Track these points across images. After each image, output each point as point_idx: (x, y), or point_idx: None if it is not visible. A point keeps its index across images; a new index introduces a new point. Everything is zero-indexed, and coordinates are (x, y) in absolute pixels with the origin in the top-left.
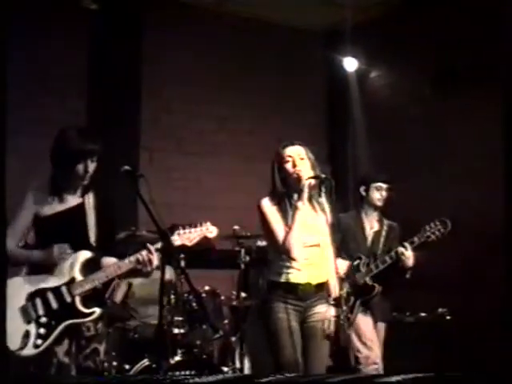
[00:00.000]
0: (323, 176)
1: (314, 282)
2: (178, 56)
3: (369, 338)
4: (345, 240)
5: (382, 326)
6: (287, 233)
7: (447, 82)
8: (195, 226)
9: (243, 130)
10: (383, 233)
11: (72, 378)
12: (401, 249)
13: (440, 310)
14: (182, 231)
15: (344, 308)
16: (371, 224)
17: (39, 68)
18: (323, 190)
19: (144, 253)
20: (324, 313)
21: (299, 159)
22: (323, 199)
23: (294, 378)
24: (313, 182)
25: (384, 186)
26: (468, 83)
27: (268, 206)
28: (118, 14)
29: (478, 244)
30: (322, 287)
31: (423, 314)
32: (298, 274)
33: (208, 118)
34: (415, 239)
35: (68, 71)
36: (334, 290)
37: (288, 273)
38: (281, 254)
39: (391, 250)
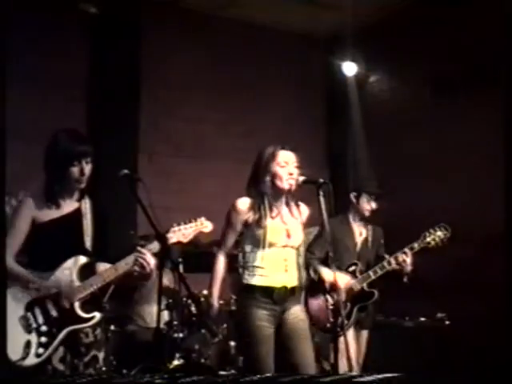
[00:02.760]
0: (321, 180)
1: (289, 285)
2: (178, 60)
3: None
4: (333, 245)
5: (365, 333)
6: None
7: (446, 86)
8: (190, 222)
9: (242, 133)
10: (369, 238)
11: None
12: (402, 256)
13: (439, 314)
14: (176, 228)
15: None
16: (360, 230)
17: (38, 72)
18: (321, 194)
19: (140, 253)
20: (299, 311)
21: (293, 167)
22: (301, 204)
23: (277, 378)
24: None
25: (374, 197)
26: (467, 88)
27: (241, 209)
28: (118, 17)
29: (476, 248)
30: (295, 290)
31: (422, 319)
32: (274, 277)
33: (207, 121)
34: (415, 245)
35: (67, 75)
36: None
37: (264, 275)
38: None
39: (379, 254)
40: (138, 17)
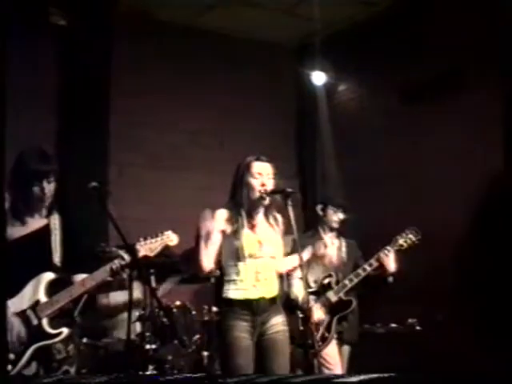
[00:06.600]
0: (289, 190)
1: (268, 295)
2: (149, 70)
3: (332, 362)
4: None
5: (346, 348)
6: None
7: (415, 93)
8: (156, 236)
9: (214, 144)
10: (343, 249)
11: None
12: (382, 253)
13: (410, 320)
14: (143, 242)
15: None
16: (331, 240)
17: (7, 84)
18: (289, 203)
19: (117, 261)
20: (280, 324)
21: (267, 178)
22: (277, 215)
23: (255, 378)
24: (277, 197)
25: (341, 209)
26: (437, 94)
27: (218, 218)
28: (87, 29)
29: (446, 254)
30: (276, 300)
31: (393, 325)
32: (253, 289)
33: (179, 132)
34: (388, 248)
35: (36, 87)
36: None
37: (242, 289)
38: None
39: (358, 266)
40: (109, 28)
